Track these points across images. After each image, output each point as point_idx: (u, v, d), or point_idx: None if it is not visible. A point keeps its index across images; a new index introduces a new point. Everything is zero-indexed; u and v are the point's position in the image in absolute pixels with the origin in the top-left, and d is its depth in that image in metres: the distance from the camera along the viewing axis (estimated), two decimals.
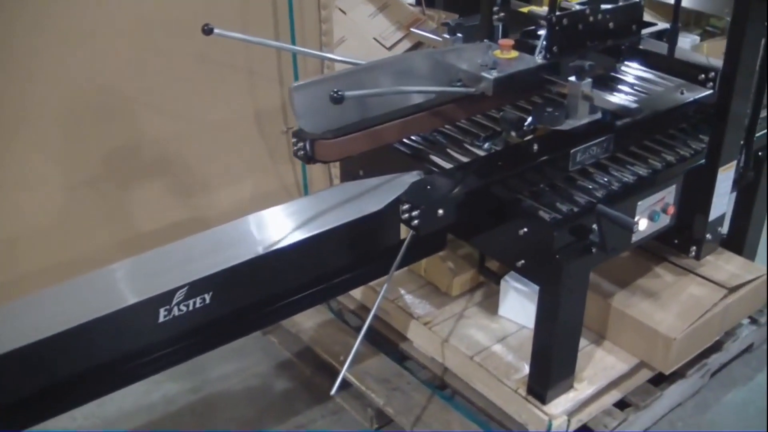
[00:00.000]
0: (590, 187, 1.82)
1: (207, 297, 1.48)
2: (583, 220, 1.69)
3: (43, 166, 2.03)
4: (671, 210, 1.90)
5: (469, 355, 2.01)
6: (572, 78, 1.76)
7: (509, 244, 1.76)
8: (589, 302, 1.84)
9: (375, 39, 4.04)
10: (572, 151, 1.79)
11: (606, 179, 1.85)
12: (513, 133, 1.86)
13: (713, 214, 1.99)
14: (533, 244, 1.70)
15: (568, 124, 1.80)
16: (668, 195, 1.89)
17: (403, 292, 2.26)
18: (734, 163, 1.96)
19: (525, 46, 1.96)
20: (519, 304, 2.09)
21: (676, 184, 1.90)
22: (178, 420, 2.17)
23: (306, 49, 2.09)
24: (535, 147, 1.78)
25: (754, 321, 2.30)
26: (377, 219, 1.64)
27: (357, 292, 2.35)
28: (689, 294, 2.05)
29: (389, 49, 3.86)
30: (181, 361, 1.62)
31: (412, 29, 2.12)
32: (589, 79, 1.75)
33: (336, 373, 1.62)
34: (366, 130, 1.78)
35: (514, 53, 1.88)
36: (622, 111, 1.70)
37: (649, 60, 2.16)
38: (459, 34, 2.02)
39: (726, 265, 2.16)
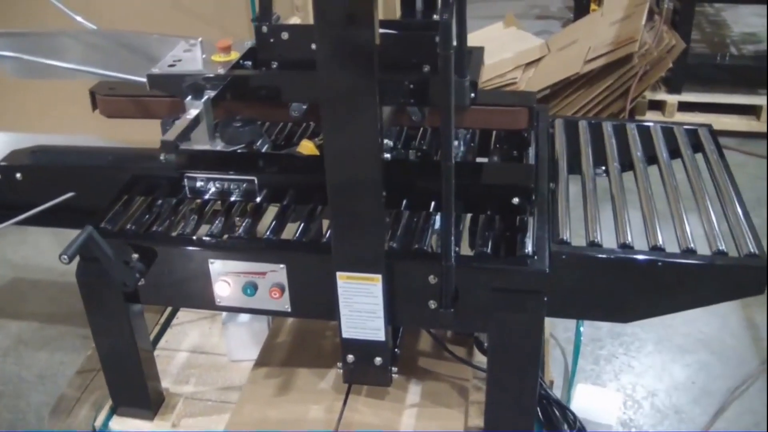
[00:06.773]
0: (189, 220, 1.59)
1: None
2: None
3: None
4: (278, 293, 1.50)
5: None
6: (189, 96, 1.54)
7: None
8: None
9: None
10: (185, 174, 1.59)
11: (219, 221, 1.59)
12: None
13: (352, 333, 1.48)
14: None
15: (187, 144, 1.59)
16: (274, 274, 1.49)
17: None
18: (376, 278, 1.40)
19: None
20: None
21: (287, 266, 1.48)
22: None
23: None
24: (163, 158, 1.64)
25: None
26: None
27: None
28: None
29: (585, 62, 3.27)
30: None
31: None
32: (202, 101, 1.51)
33: None
34: (132, 98, 1.88)
35: (233, 56, 1.67)
36: None
37: None
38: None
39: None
